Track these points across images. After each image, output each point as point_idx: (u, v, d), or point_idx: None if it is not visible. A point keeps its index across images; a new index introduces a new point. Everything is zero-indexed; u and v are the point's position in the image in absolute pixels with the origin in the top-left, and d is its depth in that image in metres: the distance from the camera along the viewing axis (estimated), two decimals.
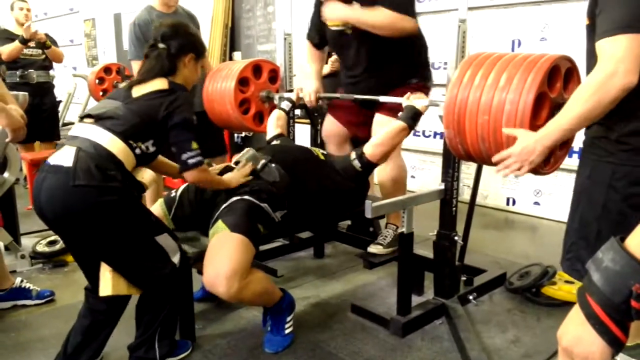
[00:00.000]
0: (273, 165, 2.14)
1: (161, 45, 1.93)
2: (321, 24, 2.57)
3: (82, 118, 1.84)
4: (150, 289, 1.89)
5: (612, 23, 1.19)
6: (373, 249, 2.54)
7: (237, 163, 2.17)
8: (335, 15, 2.43)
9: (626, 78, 1.17)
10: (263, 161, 2.15)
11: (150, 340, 1.93)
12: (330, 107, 2.85)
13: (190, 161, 1.84)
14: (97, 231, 1.73)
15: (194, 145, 1.84)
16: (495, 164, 1.62)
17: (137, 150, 1.80)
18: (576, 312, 0.72)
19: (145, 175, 1.89)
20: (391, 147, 2.26)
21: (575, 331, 0.71)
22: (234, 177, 2.08)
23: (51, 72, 4.65)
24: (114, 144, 1.75)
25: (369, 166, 2.27)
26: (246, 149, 2.21)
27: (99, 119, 1.79)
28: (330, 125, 2.83)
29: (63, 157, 1.72)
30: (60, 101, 5.38)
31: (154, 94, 1.84)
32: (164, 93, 1.85)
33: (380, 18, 2.31)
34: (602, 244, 1.29)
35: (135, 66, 3.04)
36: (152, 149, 1.85)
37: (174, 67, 1.94)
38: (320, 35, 2.68)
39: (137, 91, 1.86)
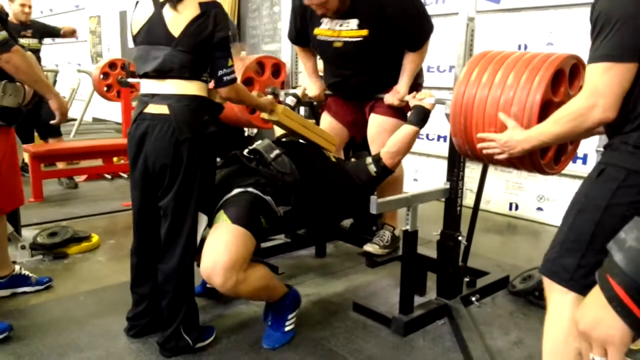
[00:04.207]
0: (286, 158, 2.11)
1: None
2: (303, 28, 2.52)
3: (141, 76, 1.93)
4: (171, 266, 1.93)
5: (600, 49, 1.22)
6: (369, 247, 2.51)
7: (250, 152, 2.14)
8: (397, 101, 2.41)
9: (604, 114, 1.21)
10: (277, 151, 2.11)
11: (177, 334, 1.96)
12: (327, 108, 2.76)
13: (225, 78, 1.91)
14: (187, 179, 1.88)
15: (230, 62, 1.91)
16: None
17: (209, 80, 1.95)
18: (596, 295, 0.70)
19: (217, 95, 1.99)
20: (406, 152, 2.31)
21: (595, 314, 0.69)
22: (267, 100, 2.21)
23: (56, 67, 4.67)
24: (193, 87, 1.88)
25: (384, 172, 2.28)
26: (262, 140, 2.20)
27: (162, 73, 1.86)
28: (330, 126, 2.71)
29: (160, 110, 1.86)
30: (63, 97, 5.35)
31: (191, 26, 1.83)
32: (199, 20, 1.84)
33: (418, 64, 2.44)
34: (593, 247, 1.28)
35: None
36: None
37: None
38: (303, 36, 2.58)
39: (174, 27, 1.84)
